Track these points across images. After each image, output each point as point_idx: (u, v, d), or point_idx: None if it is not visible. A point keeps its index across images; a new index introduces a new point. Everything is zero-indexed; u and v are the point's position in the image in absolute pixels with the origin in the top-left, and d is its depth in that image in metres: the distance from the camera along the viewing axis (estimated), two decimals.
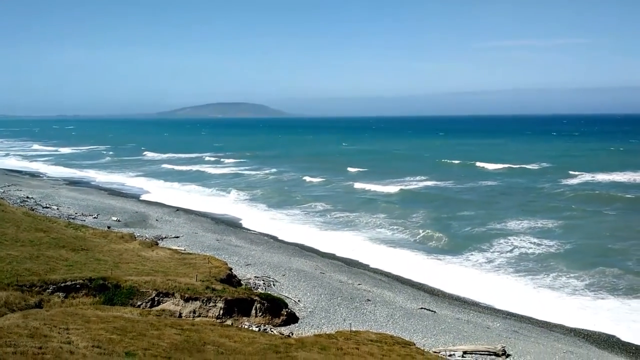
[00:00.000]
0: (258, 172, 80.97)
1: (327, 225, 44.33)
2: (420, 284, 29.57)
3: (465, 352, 19.02)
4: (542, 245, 35.71)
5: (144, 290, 20.45)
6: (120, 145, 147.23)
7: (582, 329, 23.32)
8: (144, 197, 58.63)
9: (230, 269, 25.75)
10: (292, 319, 22.05)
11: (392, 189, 60.89)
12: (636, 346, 21.67)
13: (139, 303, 19.98)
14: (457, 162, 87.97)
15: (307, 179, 70.72)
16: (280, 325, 21.24)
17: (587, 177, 68.10)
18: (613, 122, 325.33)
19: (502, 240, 37.04)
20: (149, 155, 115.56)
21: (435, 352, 18.43)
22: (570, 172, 71.34)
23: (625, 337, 22.45)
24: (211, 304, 20.65)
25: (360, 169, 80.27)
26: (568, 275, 29.71)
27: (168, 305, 20.18)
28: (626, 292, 27.06)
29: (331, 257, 34.81)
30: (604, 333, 22.92)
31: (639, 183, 62.17)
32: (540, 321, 24.40)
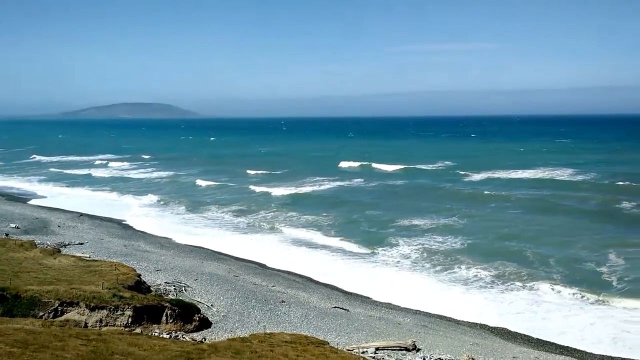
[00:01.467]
0: (155, 175, 79.57)
1: (237, 228, 43.98)
2: (332, 284, 29.89)
3: (377, 349, 19.39)
4: (446, 242, 37.15)
5: (46, 300, 19.39)
6: (12, 148, 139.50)
7: (486, 322, 24.39)
8: (42, 202, 55.82)
9: (139, 276, 24.93)
10: (205, 324, 21.63)
11: (299, 190, 61.61)
12: (536, 338, 22.91)
13: (41, 314, 18.92)
14: (358, 163, 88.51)
15: (204, 183, 69.28)
16: (192, 331, 20.77)
17: (486, 175, 71.45)
18: (514, 123, 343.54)
19: (409, 239, 38.14)
20: (38, 158, 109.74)
21: (348, 350, 18.67)
22: (471, 171, 74.63)
23: (524, 328, 23.69)
24: (119, 312, 19.89)
25: (271, 172, 79.72)
26: (473, 270, 31.02)
27: (73, 315, 19.23)
28: (525, 285, 28.57)
29: (245, 260, 34.52)
30: (505, 325, 24.10)
31: (536, 179, 65.89)
32: (448, 316, 25.30)
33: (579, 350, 21.39)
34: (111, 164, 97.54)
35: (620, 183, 60.13)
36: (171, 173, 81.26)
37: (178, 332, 20.22)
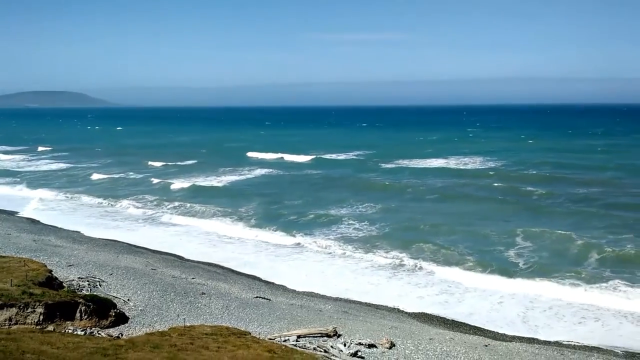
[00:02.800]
0: (54, 167, 76.87)
1: (148, 219, 43.14)
2: (254, 274, 29.84)
3: (299, 336, 19.52)
4: (363, 230, 37.93)
5: None
6: None
7: (404, 306, 25.13)
8: None
9: (50, 271, 23.82)
10: (121, 319, 20.99)
11: (211, 182, 61.05)
12: (452, 316, 23.87)
13: None
14: (272, 154, 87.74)
15: (103, 175, 67.02)
16: (108, 327, 20.11)
17: (401, 164, 73.49)
18: (428, 112, 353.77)
19: (327, 228, 38.75)
20: None
21: (270, 339, 18.69)
22: (386, 160, 76.51)
23: (440, 310, 24.63)
24: (29, 309, 18.94)
25: (184, 162, 78.39)
26: (390, 257, 31.84)
27: None
28: (440, 270, 29.67)
29: (162, 252, 33.79)
30: (422, 308, 24.95)
31: (449, 168, 68.31)
32: (368, 302, 25.88)
33: (491, 330, 22.45)
34: (4, 156, 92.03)
35: (526, 172, 63.36)
36: (70, 165, 78.17)
37: (93, 329, 19.53)
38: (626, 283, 26.51)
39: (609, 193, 48.75)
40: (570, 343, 21.04)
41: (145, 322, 21.02)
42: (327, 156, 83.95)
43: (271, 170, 70.41)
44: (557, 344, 20.95)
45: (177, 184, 58.89)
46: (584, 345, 20.78)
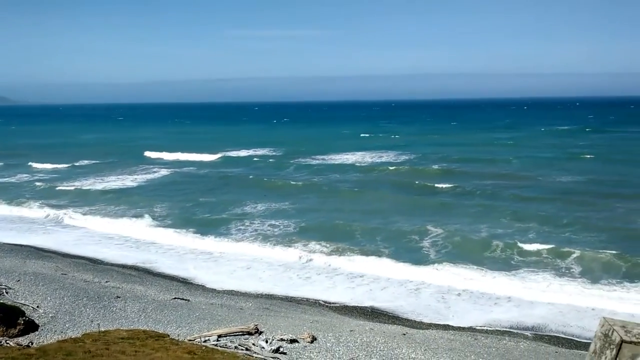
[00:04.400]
0: None
1: (53, 222, 41.34)
2: (171, 275, 29.18)
3: (220, 336, 19.24)
4: (280, 226, 37.97)
5: None
6: None
7: (325, 299, 25.40)
8: None
9: None
10: (31, 327, 19.91)
11: (122, 182, 59.14)
12: (371, 307, 24.32)
13: None
14: (177, 153, 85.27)
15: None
16: (17, 336, 19.03)
17: (315, 159, 74.12)
18: (347, 108, 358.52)
19: (243, 225, 38.49)
20: None
21: (190, 340, 18.32)
22: (300, 156, 77.11)
23: (359, 302, 25.04)
24: None
25: (94, 162, 75.80)
26: (309, 251, 32.06)
27: None
28: (358, 261, 30.17)
29: (73, 256, 32.37)
30: (342, 301, 25.28)
31: (364, 162, 69.59)
32: (288, 296, 25.95)
33: (408, 319, 23.07)
34: None
35: (436, 166, 65.54)
36: None
37: (1, 338, 18.44)
38: (532, 270, 27.97)
39: (514, 185, 51.25)
40: (483, 328, 21.95)
41: (57, 329, 20.05)
42: (243, 153, 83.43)
43: (179, 169, 68.92)
44: (471, 329, 21.81)
45: (82, 184, 56.61)
46: (496, 330, 21.75)
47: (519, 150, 79.27)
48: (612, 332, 3.25)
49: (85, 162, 76.23)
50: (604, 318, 3.31)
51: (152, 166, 72.15)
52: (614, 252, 29.51)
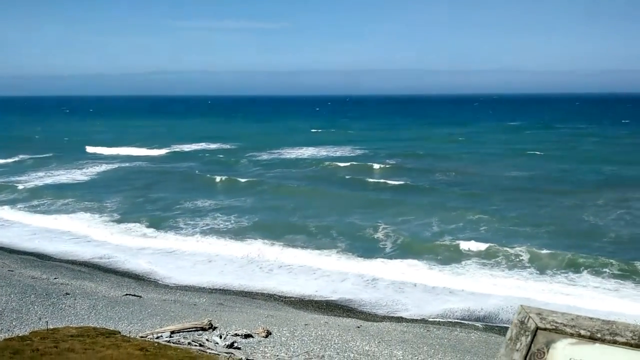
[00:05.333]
0: None
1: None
2: (122, 270, 28.65)
3: (172, 332, 19.01)
4: (233, 221, 37.87)
5: None
6: None
7: (280, 293, 25.40)
8: None
9: None
10: None
11: (67, 177, 57.99)
12: (326, 301, 24.44)
13: None
14: (124, 148, 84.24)
15: None
16: None
17: (270, 154, 74.02)
18: (299, 102, 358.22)
19: (194, 220, 38.27)
20: None
21: (142, 337, 18.03)
22: (253, 151, 76.91)
23: (314, 295, 25.15)
24: None
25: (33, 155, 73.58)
26: (263, 245, 32.03)
27: None
28: (313, 255, 30.29)
29: (20, 252, 31.40)
30: (298, 294, 25.34)
31: (317, 157, 69.77)
32: (243, 291, 25.83)
33: (363, 312, 23.30)
34: None
35: (389, 162, 66.26)
36: None
37: None
38: (481, 264, 28.68)
39: (463, 181, 52.32)
40: (435, 320, 22.35)
41: (3, 327, 19.42)
42: (194, 147, 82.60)
43: (129, 164, 67.71)
44: (424, 321, 22.18)
45: (26, 179, 55.12)
46: (448, 322, 22.18)
47: (469, 146, 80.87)
48: (528, 319, 3.35)
49: (28, 156, 73.73)
50: (521, 306, 3.42)
51: (99, 161, 70.55)
52: (559, 246, 30.51)
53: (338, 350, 17.09)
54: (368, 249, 31.14)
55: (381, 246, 31.95)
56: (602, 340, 3.12)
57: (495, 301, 23.98)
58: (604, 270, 26.55)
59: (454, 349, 18.18)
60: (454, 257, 29.64)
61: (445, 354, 17.48)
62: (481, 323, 22.02)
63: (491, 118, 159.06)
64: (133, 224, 37.04)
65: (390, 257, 29.66)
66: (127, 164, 67.48)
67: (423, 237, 33.36)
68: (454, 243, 31.82)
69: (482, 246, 30.94)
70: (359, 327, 20.08)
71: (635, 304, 22.90)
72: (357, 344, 17.78)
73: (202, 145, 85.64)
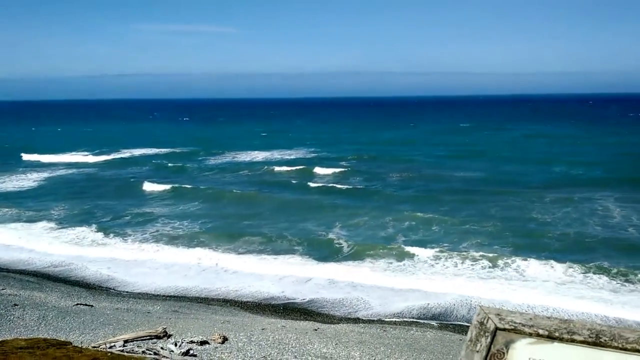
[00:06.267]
0: None
1: None
2: (73, 279, 27.89)
3: (126, 341, 18.56)
4: (186, 227, 37.42)
5: None
6: None
7: (237, 299, 25.19)
8: None
9: None
10: None
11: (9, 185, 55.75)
12: (283, 305, 24.35)
13: None
14: (66, 154, 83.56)
15: None
16: None
17: (225, 158, 73.41)
18: (256, 105, 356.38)
19: (145, 227, 37.60)
20: None
21: (94, 347, 17.55)
22: (208, 155, 76.24)
23: (272, 299, 25.03)
24: None
25: None
26: (215, 250, 31.83)
27: None
28: (269, 259, 30.18)
29: None
30: (254, 299, 25.18)
31: (271, 160, 69.64)
32: (199, 297, 25.51)
33: (320, 314, 23.34)
34: None
35: (342, 164, 66.71)
36: None
37: None
38: (436, 263, 29.08)
39: (413, 182, 53.09)
40: (391, 320, 22.57)
41: None
42: (144, 152, 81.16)
43: (75, 170, 65.66)
44: (380, 321, 22.37)
45: None
46: (404, 321, 22.42)
47: (421, 147, 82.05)
48: (487, 320, 3.40)
49: None
50: (480, 307, 3.48)
51: (39, 168, 68.01)
52: (509, 244, 31.29)
53: (296, 354, 17.04)
54: (322, 253, 31.21)
55: (336, 249, 32.04)
56: (560, 339, 3.18)
57: (449, 300, 24.38)
58: (554, 266, 27.32)
59: (410, 347, 18.38)
60: (407, 257, 29.99)
61: (402, 353, 17.65)
62: (436, 322, 22.35)
63: (444, 119, 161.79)
64: (81, 232, 36.11)
65: (345, 260, 29.80)
66: (71, 171, 65.45)
67: (377, 239, 33.64)
68: (408, 244, 32.22)
69: (434, 246, 31.42)
70: (316, 330, 20.08)
71: (583, 301, 23.67)
72: (315, 346, 17.77)
73: (152, 150, 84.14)
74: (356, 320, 22.51)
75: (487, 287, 25.51)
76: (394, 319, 22.66)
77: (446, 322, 22.40)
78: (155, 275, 28.44)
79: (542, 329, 3.21)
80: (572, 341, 3.14)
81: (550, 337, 3.20)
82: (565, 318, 3.28)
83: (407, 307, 23.86)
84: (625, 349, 3.03)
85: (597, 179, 50.62)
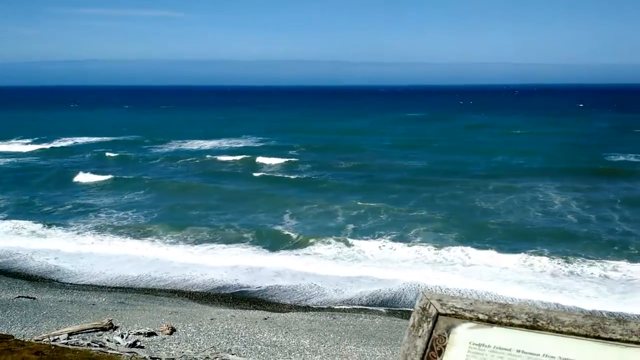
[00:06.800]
0: None
1: None
2: (14, 271, 27.03)
3: (70, 334, 18.14)
4: (131, 217, 36.86)
5: None
6: None
7: (186, 289, 24.96)
8: None
9: None
10: None
11: None
12: (232, 294, 24.28)
13: None
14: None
15: None
16: None
17: (173, 146, 72.32)
18: (201, 93, 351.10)
19: (90, 216, 36.86)
20: None
21: (37, 340, 17.09)
22: (156, 143, 74.82)
23: (220, 289, 24.94)
24: None
25: None
26: (165, 240, 31.44)
27: None
28: (218, 248, 30.01)
29: None
30: (203, 289, 25.01)
31: (218, 149, 68.96)
32: (146, 288, 25.13)
33: (270, 303, 23.41)
34: None
35: (292, 155, 66.72)
36: None
37: None
38: (386, 249, 29.53)
39: (361, 172, 53.59)
40: (341, 307, 22.83)
41: None
42: (86, 140, 79.02)
43: (8, 160, 63.13)
44: (330, 309, 22.59)
45: None
46: (353, 308, 22.72)
47: (370, 137, 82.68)
48: (429, 305, 3.48)
49: None
50: (422, 293, 3.57)
51: None
52: (453, 230, 32.15)
53: (245, 343, 17.05)
54: (272, 242, 31.16)
55: (285, 239, 32.00)
56: (500, 323, 3.30)
57: (397, 286, 24.82)
58: (496, 253, 28.18)
59: (359, 334, 18.65)
60: (356, 246, 30.29)
61: (351, 340, 17.89)
62: (385, 308, 22.73)
63: (393, 109, 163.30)
64: (19, 224, 34.88)
65: (295, 249, 29.90)
66: (8, 160, 62.90)
67: (326, 228, 33.85)
68: (357, 232, 32.60)
69: (383, 234, 31.89)
70: (266, 319, 20.11)
71: (523, 286, 24.53)
72: (265, 335, 17.82)
73: (94, 139, 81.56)
74: (306, 309, 22.66)
75: (434, 273, 26.06)
76: (343, 307, 22.93)
77: (394, 308, 22.81)
78: (99, 266, 27.83)
79: (482, 313, 3.33)
80: (511, 325, 3.27)
81: (490, 322, 3.32)
82: (504, 302, 3.41)
83: (356, 294, 24.16)
84: (561, 332, 3.17)
85: (539, 168, 52.28)
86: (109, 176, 50.42)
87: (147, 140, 79.08)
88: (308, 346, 17.09)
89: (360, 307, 22.91)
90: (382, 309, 22.66)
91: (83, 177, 50.38)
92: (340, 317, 21.22)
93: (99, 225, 34.69)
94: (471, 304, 3.37)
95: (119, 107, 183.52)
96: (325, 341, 17.60)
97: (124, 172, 53.20)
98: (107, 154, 66.00)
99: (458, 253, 28.42)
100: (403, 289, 24.50)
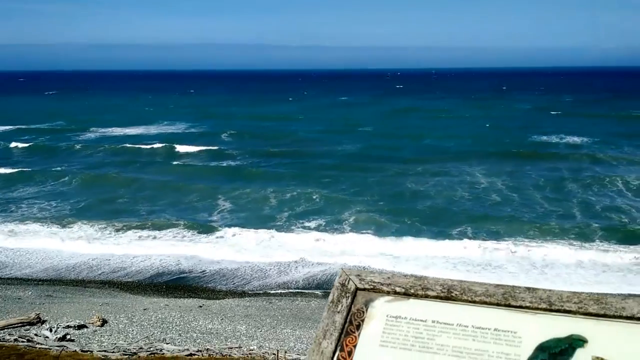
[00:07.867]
0: None
1: None
2: None
3: None
4: (57, 207, 35.76)
5: None
6: None
7: (117, 279, 24.47)
8: None
9: None
10: None
11: None
12: (165, 283, 24.01)
13: None
14: None
15: None
16: None
17: (101, 133, 70.04)
18: (132, 78, 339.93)
19: (10, 207, 35.70)
20: None
21: None
22: (83, 130, 72.18)
23: (152, 278, 24.58)
24: None
25: None
26: (92, 230, 30.67)
27: None
28: (149, 236, 29.51)
29: None
30: (135, 279, 24.59)
31: (151, 134, 67.24)
32: (74, 280, 24.47)
33: (204, 290, 23.32)
34: None
35: (224, 142, 66.07)
36: None
37: None
38: (320, 231, 29.93)
39: (298, 157, 53.73)
40: (277, 292, 23.01)
41: None
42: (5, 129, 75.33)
43: None
44: (266, 294, 22.73)
45: None
46: (289, 292, 22.94)
47: (302, 123, 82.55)
48: (348, 281, 3.54)
49: None
50: (341, 269, 3.74)
51: None
52: (385, 211, 32.99)
53: (180, 332, 16.97)
54: (204, 231, 30.78)
55: (218, 227, 31.71)
56: (416, 296, 3.51)
57: (333, 269, 25.25)
58: (428, 232, 29.17)
59: (296, 317, 18.91)
60: (289, 231, 30.45)
61: (287, 323, 18.12)
62: (320, 290, 23.08)
63: (325, 93, 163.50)
64: None
65: (227, 237, 29.78)
66: None
67: (259, 217, 33.80)
68: (290, 219, 32.81)
69: (316, 219, 32.25)
70: (201, 307, 20.04)
71: (447, 265, 25.47)
72: (200, 323, 17.78)
73: (6, 127, 76.98)
74: (242, 294, 22.70)
75: (367, 259, 26.56)
76: (279, 291, 23.11)
77: (330, 290, 23.15)
78: (24, 259, 26.81)
79: (399, 286, 3.53)
80: (426, 297, 3.49)
81: (407, 294, 3.52)
82: (420, 276, 3.63)
83: (292, 278, 24.40)
84: (474, 302, 3.42)
85: (466, 151, 53.89)
86: (26, 169, 47.45)
87: (66, 128, 75.37)
88: (245, 332, 17.19)
89: (297, 290, 23.15)
90: (317, 292, 22.98)
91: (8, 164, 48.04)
92: (277, 301, 21.40)
93: (20, 217, 33.33)
94: (389, 277, 3.57)
95: (40, 93, 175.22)
96: (262, 326, 17.75)
97: (51, 163, 50.96)
98: (17, 144, 62.53)
99: (389, 236, 29.12)
100: (338, 272, 24.90)
